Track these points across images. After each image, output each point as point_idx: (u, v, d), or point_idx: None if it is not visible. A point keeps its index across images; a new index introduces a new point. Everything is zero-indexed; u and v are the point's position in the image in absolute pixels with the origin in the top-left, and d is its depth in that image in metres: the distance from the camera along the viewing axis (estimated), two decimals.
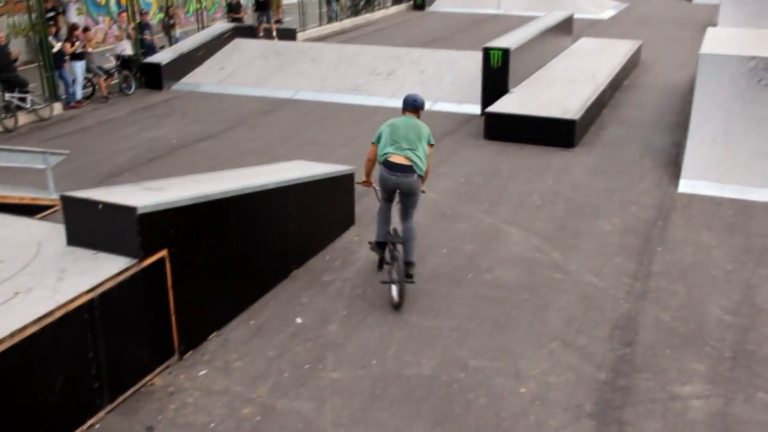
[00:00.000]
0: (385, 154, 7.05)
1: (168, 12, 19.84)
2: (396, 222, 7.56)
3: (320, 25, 24.42)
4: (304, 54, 17.67)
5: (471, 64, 15.56)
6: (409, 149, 7.03)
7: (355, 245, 8.69)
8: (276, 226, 7.62)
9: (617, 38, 20.49)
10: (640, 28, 23.59)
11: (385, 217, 7.35)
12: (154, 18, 21.37)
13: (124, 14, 17.27)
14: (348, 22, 25.83)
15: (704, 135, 10.80)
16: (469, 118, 14.00)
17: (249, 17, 22.81)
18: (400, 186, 7.04)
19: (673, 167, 11.20)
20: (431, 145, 7.25)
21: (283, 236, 7.77)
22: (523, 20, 20.29)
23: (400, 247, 7.30)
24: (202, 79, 17.11)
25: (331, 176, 8.69)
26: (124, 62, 16.69)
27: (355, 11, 27.12)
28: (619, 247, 8.67)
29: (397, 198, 7.22)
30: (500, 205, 9.93)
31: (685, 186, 10.45)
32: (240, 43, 18.45)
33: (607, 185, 10.62)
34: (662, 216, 9.56)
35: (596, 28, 24.45)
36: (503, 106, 12.95)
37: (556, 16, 18.04)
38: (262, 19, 20.37)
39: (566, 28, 18.55)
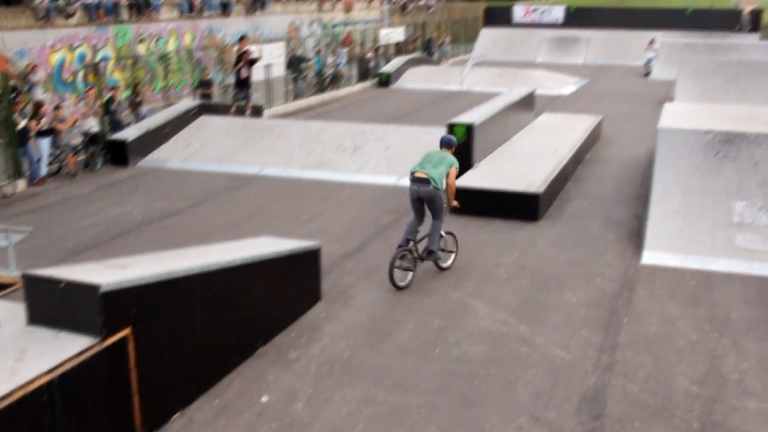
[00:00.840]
0: (412, 171, 9.79)
1: (135, 89, 19.99)
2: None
3: (286, 101, 24.70)
4: (271, 130, 17.82)
5: (436, 139, 15.71)
6: (429, 168, 9.64)
7: (322, 321, 8.64)
8: (241, 303, 7.56)
9: (579, 113, 20.96)
10: (601, 103, 24.21)
11: (409, 227, 9.83)
12: (121, 95, 21.51)
13: (92, 91, 17.36)
14: (314, 99, 26.17)
15: (665, 207, 11.01)
16: None
17: (217, 94, 23.05)
18: (420, 193, 9.65)
19: (636, 239, 11.36)
20: (453, 167, 9.74)
21: (249, 313, 7.71)
22: (486, 96, 20.71)
23: (417, 245, 9.83)
24: (168, 155, 17.14)
25: (297, 252, 8.69)
26: (90, 139, 16.69)
27: (321, 88, 27.51)
28: (585, 319, 8.72)
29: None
30: (467, 279, 9.97)
31: (648, 258, 10.60)
32: (206, 120, 18.58)
33: (572, 258, 10.73)
34: (627, 288, 9.66)
35: (557, 104, 25.02)
36: (468, 180, 13.10)
37: (518, 92, 18.45)
38: (240, 96, 20.54)
39: (528, 103, 18.96)
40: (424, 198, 9.70)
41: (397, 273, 9.55)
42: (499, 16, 45.78)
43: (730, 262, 10.37)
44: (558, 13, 44.58)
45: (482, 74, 30.46)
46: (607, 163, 16.47)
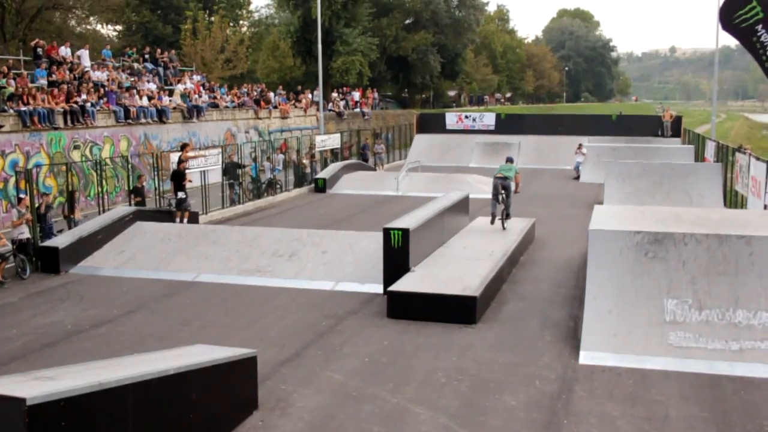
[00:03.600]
0: (496, 174, 18.03)
1: (69, 195, 19.74)
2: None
3: (223, 207, 24.68)
4: (207, 236, 17.71)
5: (372, 244, 15.90)
6: (504, 172, 17.97)
7: (258, 431, 8.42)
8: (175, 413, 7.33)
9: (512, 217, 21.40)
10: (533, 206, 24.77)
11: (494, 202, 17.94)
12: (54, 202, 21.20)
13: (26, 199, 17.08)
14: (251, 205, 26.20)
15: (599, 307, 11.20)
16: (371, 297, 14.12)
17: (152, 201, 22.90)
18: (503, 184, 17.79)
19: (573, 340, 11.48)
20: (517, 173, 18.43)
21: (183, 424, 7.47)
22: (422, 201, 21.03)
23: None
24: (102, 262, 16.84)
25: (232, 361, 8.53)
26: (20, 246, 16.33)
27: (258, 194, 27.61)
28: (525, 422, 8.68)
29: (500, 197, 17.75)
30: (405, 384, 9.88)
31: (585, 358, 10.70)
32: (141, 226, 18.40)
33: (511, 360, 10.76)
34: (566, 389, 9.69)
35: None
36: (405, 284, 13.15)
37: (453, 197, 18.78)
38: (182, 202, 20.47)
39: (463, 207, 19.30)
40: (504, 187, 17.89)
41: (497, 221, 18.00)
42: (432, 123, 46.93)
43: (665, 360, 10.53)
44: (489, 119, 45.95)
45: (417, 179, 31.02)
46: (542, 265, 16.74)
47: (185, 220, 20.51)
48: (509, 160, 19.51)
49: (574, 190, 30.69)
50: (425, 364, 10.58)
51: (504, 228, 18.17)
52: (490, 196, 24.92)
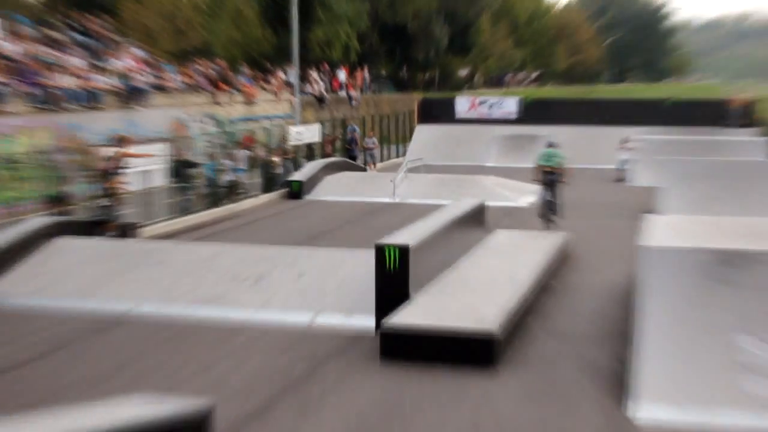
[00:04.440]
0: (540, 165, 21.06)
1: None
2: None
3: (170, 218, 24.54)
4: (148, 256, 17.58)
5: (361, 265, 15.76)
6: (548, 161, 20.91)
7: None
8: None
9: (539, 230, 21.31)
10: (568, 217, 24.64)
11: (542, 195, 21.23)
12: None
13: None
14: (206, 215, 26.06)
15: (654, 347, 11.05)
16: (360, 333, 13.97)
17: (79, 209, 22.74)
18: (550, 178, 20.75)
19: (619, 388, 11.34)
20: (562, 160, 20.91)
21: None
22: (425, 210, 20.92)
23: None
24: (11, 288, 16.65)
25: (179, 418, 8.34)
26: None
27: (215, 201, 27.47)
28: None
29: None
30: None
31: (635, 411, 10.56)
32: (63, 243, 18.23)
33: (540, 415, 10.62)
34: None
35: (514, 218, 25.46)
36: (404, 317, 13.01)
37: (464, 205, 18.70)
38: (110, 211, 20.36)
39: (478, 218, 19.21)
40: (550, 178, 20.70)
41: (543, 220, 21.17)
42: (438, 110, 47.04)
43: (738, 414, 10.37)
44: (511, 105, 46.09)
45: (419, 182, 30.99)
46: (579, 292, 16.64)
47: (116, 234, 20.37)
48: (551, 144, 21.47)
49: (618, 196, 30.65)
50: (430, 423, 10.43)
51: (550, 221, 21.41)
52: (510, 203, 25.66)
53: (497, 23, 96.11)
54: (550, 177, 20.33)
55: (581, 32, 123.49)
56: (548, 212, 21.34)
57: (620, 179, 34.89)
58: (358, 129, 40.30)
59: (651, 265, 11.51)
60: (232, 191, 28.56)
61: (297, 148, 34.63)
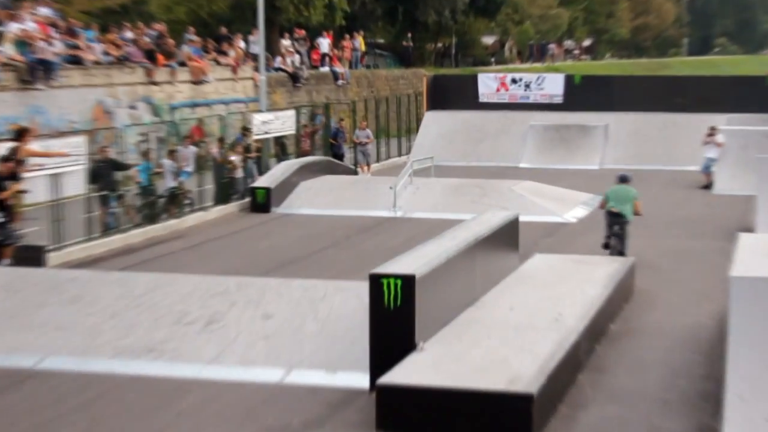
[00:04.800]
0: (610, 206, 21.33)
1: None
2: None
3: (89, 239, 24.54)
4: (60, 290, 17.57)
5: (350, 303, 15.78)
6: (620, 204, 21.17)
7: None
8: None
9: (594, 254, 21.31)
10: (633, 236, 24.67)
11: (608, 229, 21.43)
12: None
13: None
14: (138, 235, 26.04)
15: (751, 414, 11.07)
16: (348, 395, 13.98)
17: None
18: (618, 223, 21.18)
19: None
20: (637, 200, 21.34)
21: None
22: (436, 227, 20.94)
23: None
24: None
25: None
26: None
27: (151, 216, 27.46)
28: None
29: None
30: None
31: None
32: None
33: None
34: None
35: (559, 237, 25.46)
36: (408, 373, 13.01)
37: (491, 221, 18.63)
38: (9, 232, 20.45)
39: (509, 238, 19.17)
40: (620, 225, 21.24)
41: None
42: (454, 91, 47.04)
43: None
44: (555, 85, 46.09)
45: (428, 190, 30.97)
46: (647, 339, 16.66)
47: (14, 261, 20.42)
48: (623, 179, 21.90)
49: (702, 208, 30.64)
50: None
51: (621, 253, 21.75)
52: (552, 217, 25.50)
53: None
54: (619, 221, 21.22)
55: None
56: (616, 243, 21.59)
57: (705, 185, 34.74)
58: (338, 128, 39.97)
59: (747, 303, 11.50)
60: (175, 202, 28.57)
61: (263, 143, 34.60)
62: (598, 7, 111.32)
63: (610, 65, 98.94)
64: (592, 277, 18.16)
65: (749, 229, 22.39)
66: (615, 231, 21.26)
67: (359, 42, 58.61)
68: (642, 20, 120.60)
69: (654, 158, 39.97)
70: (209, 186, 30.91)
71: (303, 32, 53.87)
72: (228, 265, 22.29)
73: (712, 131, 36.16)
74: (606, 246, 21.37)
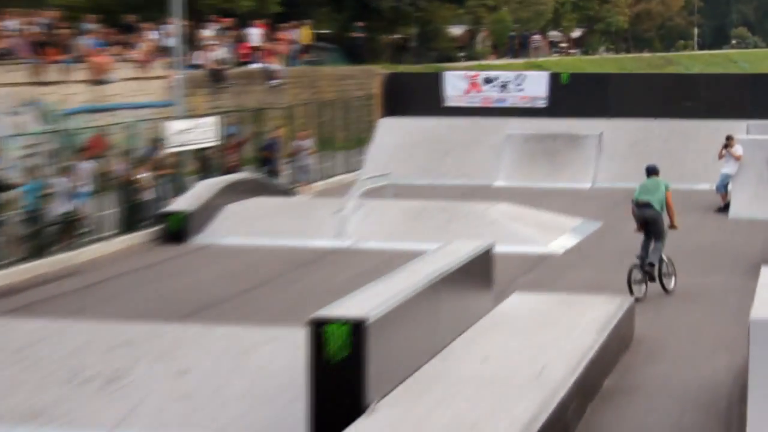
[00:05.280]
0: (635, 199, 23.42)
1: None
2: None
3: None
4: None
5: (285, 353, 15.76)
6: (648, 195, 23.27)
7: None
8: None
9: (585, 292, 21.35)
10: (626, 269, 24.78)
11: (643, 247, 23.13)
12: None
13: None
14: (22, 271, 25.94)
15: None
16: None
17: None
18: (645, 216, 23.00)
19: None
20: (668, 190, 23.47)
21: None
22: (392, 260, 20.97)
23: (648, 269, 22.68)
24: None
25: None
26: None
27: (39, 247, 27.34)
28: None
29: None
30: None
31: None
32: None
33: None
34: None
35: (543, 272, 25.54)
36: None
37: (459, 253, 18.64)
38: None
39: (482, 273, 19.18)
40: (648, 220, 22.81)
41: (634, 286, 21.98)
42: (414, 93, 47.09)
43: None
44: (538, 85, 46.21)
45: (383, 214, 31.05)
46: (649, 397, 16.72)
47: None
48: (651, 171, 24.41)
49: (716, 235, 30.83)
50: None
51: (666, 291, 23.27)
52: (535, 247, 25.19)
53: None
54: (648, 214, 22.86)
55: None
56: (642, 272, 22.79)
57: (721, 207, 34.90)
58: (273, 139, 39.78)
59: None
60: (69, 230, 28.48)
61: (180, 157, 34.57)
62: None
63: (604, 61, 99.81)
64: (582, 321, 18.19)
65: None
66: (646, 232, 22.92)
67: (299, 33, 58.67)
68: (643, 6, 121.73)
69: (661, 174, 40.11)
70: (112, 210, 30.85)
71: (229, 21, 53.97)
72: (134, 308, 22.20)
73: (729, 142, 36.32)
74: (636, 278, 22.40)
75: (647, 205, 22.74)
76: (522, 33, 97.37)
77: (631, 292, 21.68)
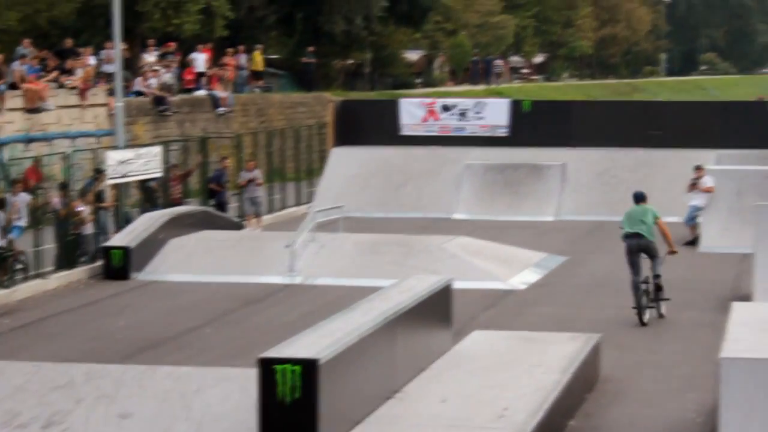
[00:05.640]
0: (625, 231, 24.59)
1: None
2: None
3: None
4: None
5: (233, 395, 15.71)
6: (636, 226, 24.40)
7: None
8: None
9: (547, 330, 21.38)
10: (597, 307, 24.85)
11: (634, 270, 24.19)
12: None
13: None
14: None
15: None
16: None
17: None
18: (639, 246, 24.26)
19: None
20: (657, 218, 24.72)
21: None
22: (345, 297, 20.94)
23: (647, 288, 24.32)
24: None
25: None
26: None
27: None
28: None
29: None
30: None
31: None
32: None
33: None
34: None
35: (504, 309, 25.56)
36: None
37: (416, 289, 18.62)
38: None
39: (440, 310, 19.17)
40: (643, 249, 23.89)
41: (643, 312, 23.58)
42: (369, 122, 47.10)
43: None
44: (498, 113, 46.29)
45: (336, 249, 31.03)
46: None
47: None
48: (639, 198, 25.34)
49: (685, 270, 30.92)
50: None
51: (660, 315, 24.58)
52: (495, 283, 25.30)
53: None
54: (642, 244, 23.80)
55: None
56: (646, 300, 24.10)
57: (690, 240, 35.01)
58: (220, 170, 39.67)
59: (741, 391, 11.60)
60: (4, 267, 28.37)
61: (121, 189, 34.46)
62: (553, 14, 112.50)
63: (568, 88, 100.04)
64: (545, 360, 18.21)
65: (745, 297, 22.64)
66: (635, 261, 23.82)
67: (250, 58, 58.59)
68: (609, 31, 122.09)
69: (624, 207, 39.81)
70: (49, 245, 30.71)
71: (173, 45, 53.88)
72: (74, 348, 22.11)
73: (698, 172, 36.51)
74: (641, 306, 23.78)
75: (638, 236, 23.81)
76: (485, 58, 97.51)
77: (641, 319, 23.52)
